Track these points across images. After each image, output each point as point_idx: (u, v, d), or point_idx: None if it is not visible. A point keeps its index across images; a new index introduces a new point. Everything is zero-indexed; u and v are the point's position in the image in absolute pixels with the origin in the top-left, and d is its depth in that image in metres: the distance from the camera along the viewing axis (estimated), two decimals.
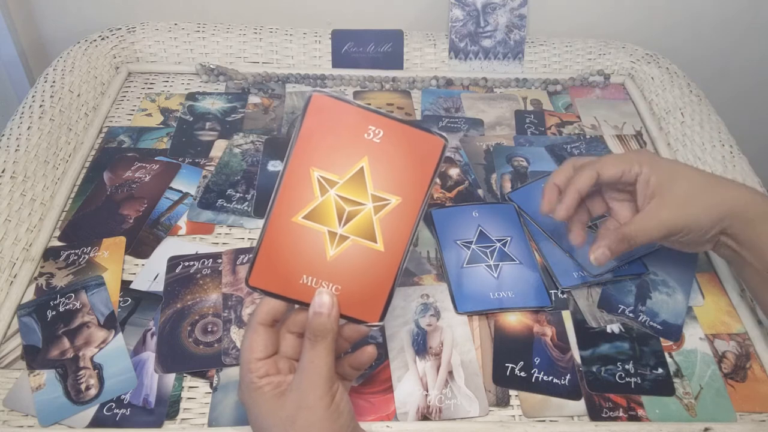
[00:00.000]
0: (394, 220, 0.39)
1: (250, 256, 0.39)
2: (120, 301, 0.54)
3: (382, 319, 0.40)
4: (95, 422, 0.47)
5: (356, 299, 0.40)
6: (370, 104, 0.79)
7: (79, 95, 0.73)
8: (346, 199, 0.39)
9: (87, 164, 0.68)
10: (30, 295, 0.55)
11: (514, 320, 0.55)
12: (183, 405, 0.48)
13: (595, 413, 0.49)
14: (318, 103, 0.38)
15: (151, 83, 0.81)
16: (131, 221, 0.61)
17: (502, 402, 0.50)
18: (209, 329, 0.53)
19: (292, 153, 0.38)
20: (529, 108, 0.80)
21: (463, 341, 0.53)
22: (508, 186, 0.68)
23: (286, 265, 0.39)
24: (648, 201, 0.49)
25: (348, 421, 0.39)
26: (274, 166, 0.69)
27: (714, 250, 0.52)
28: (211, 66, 0.82)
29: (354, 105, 0.38)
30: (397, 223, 0.39)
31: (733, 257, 0.51)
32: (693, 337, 0.55)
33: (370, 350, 0.42)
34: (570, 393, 0.50)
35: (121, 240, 0.59)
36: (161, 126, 0.74)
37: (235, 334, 0.52)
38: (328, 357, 0.38)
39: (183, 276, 0.57)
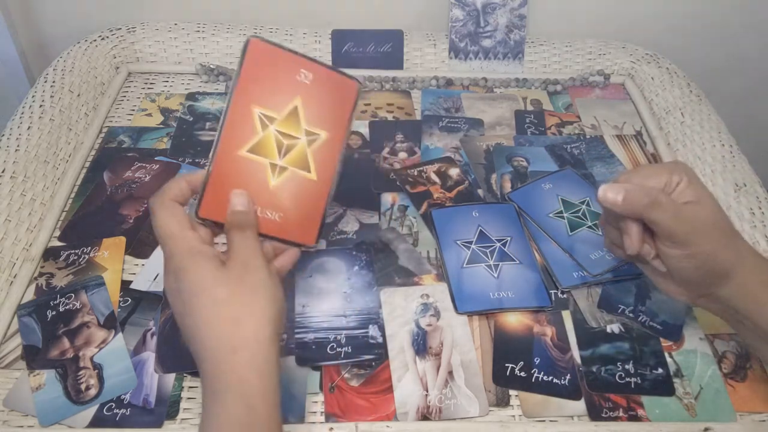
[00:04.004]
0: (323, 152, 0.44)
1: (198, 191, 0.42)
2: (120, 301, 0.54)
3: (317, 241, 0.45)
4: (95, 422, 0.47)
5: (295, 225, 0.44)
6: (370, 104, 0.80)
7: (79, 95, 0.73)
8: (284, 133, 0.43)
9: (87, 164, 0.68)
10: (30, 295, 0.55)
11: (514, 320, 0.55)
12: (183, 405, 0.48)
13: (595, 413, 0.49)
14: (256, 48, 0.41)
15: (151, 83, 0.81)
16: (131, 221, 0.61)
17: (502, 402, 0.50)
18: None
19: (234, 92, 0.41)
20: (529, 108, 0.80)
21: (463, 341, 0.53)
22: (508, 186, 0.68)
23: None
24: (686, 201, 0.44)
25: (283, 295, 0.41)
26: None
27: (703, 304, 0.48)
28: (211, 66, 0.81)
29: (287, 50, 0.42)
30: (326, 154, 0.44)
31: (722, 313, 0.48)
32: (693, 336, 0.55)
33: (291, 254, 0.44)
34: (570, 393, 0.50)
35: (121, 240, 0.59)
36: (161, 126, 0.74)
37: None
38: (256, 242, 0.41)
39: None
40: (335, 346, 0.52)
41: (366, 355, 0.51)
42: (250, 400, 0.36)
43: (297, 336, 0.52)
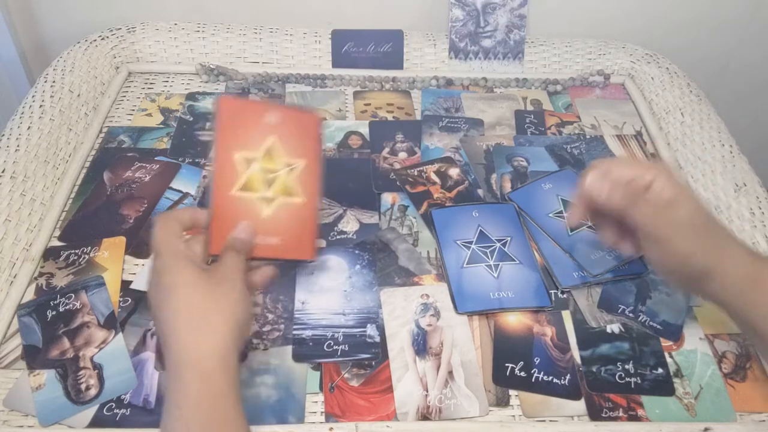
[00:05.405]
0: (305, 177, 0.50)
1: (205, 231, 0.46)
2: (120, 301, 0.54)
3: (315, 256, 0.51)
4: (95, 422, 0.47)
5: (293, 245, 0.49)
6: (370, 104, 0.80)
7: (79, 95, 0.73)
8: (267, 169, 0.48)
9: (87, 164, 0.68)
10: (30, 295, 0.55)
11: (514, 320, 0.55)
12: None
13: (595, 413, 0.49)
14: (226, 104, 0.48)
15: (151, 83, 0.81)
16: (131, 221, 0.61)
17: (502, 402, 0.50)
18: None
19: (216, 144, 0.47)
20: (529, 108, 0.80)
21: (463, 341, 0.53)
22: (508, 186, 0.68)
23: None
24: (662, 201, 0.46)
25: (251, 311, 0.45)
26: None
27: (696, 294, 0.50)
28: (211, 66, 0.81)
29: (251, 100, 0.50)
30: (308, 177, 0.50)
31: (715, 304, 0.48)
32: (693, 337, 0.55)
33: (266, 270, 0.48)
34: (570, 393, 0.50)
35: (121, 240, 0.59)
36: (161, 126, 0.74)
37: None
38: (243, 265, 0.45)
39: None
40: (332, 343, 0.52)
41: (362, 354, 0.51)
42: (209, 378, 0.39)
43: (295, 332, 0.52)
